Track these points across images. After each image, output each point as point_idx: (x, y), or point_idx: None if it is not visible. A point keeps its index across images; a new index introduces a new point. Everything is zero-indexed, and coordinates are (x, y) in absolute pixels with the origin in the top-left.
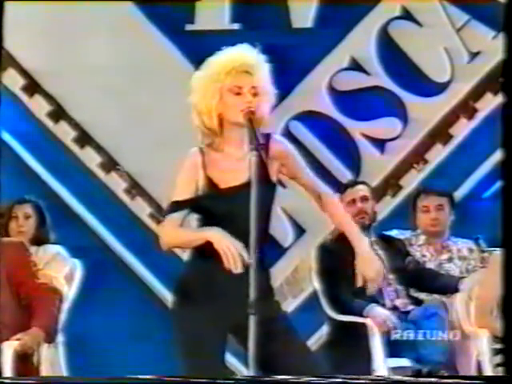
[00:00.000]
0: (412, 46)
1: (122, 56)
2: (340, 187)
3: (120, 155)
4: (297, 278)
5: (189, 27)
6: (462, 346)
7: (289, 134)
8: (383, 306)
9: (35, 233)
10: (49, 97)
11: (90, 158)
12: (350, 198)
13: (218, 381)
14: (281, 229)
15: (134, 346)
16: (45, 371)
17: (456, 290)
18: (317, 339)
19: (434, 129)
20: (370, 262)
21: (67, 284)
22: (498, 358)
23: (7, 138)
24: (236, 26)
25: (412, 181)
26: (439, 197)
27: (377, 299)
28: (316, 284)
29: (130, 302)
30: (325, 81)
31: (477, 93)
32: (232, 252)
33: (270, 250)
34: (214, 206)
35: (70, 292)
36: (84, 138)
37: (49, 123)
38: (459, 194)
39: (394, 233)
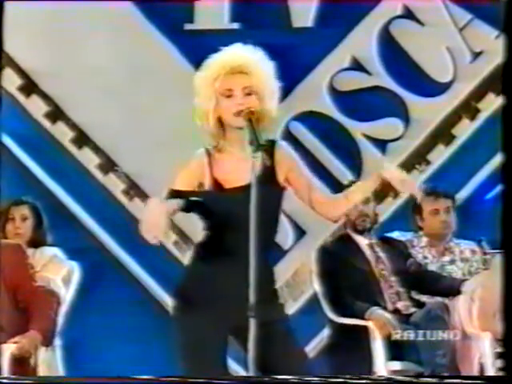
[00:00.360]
0: (414, 46)
1: (120, 56)
2: (341, 189)
3: (118, 156)
4: (297, 280)
5: (188, 27)
6: (464, 348)
7: (289, 135)
8: (384, 308)
9: (32, 235)
10: (46, 97)
11: (88, 159)
12: None
13: (216, 381)
14: (281, 231)
15: (132, 349)
16: (42, 374)
17: (458, 293)
18: (318, 342)
19: (436, 129)
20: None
21: (65, 286)
22: (501, 361)
23: (4, 138)
24: (236, 26)
25: None
26: (446, 199)
27: (378, 302)
28: (316, 286)
29: (127, 305)
30: (325, 81)
31: (479, 93)
32: None
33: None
34: (218, 205)
35: (67, 294)
36: (82, 139)
37: (46, 124)
38: (462, 195)
39: (395, 234)
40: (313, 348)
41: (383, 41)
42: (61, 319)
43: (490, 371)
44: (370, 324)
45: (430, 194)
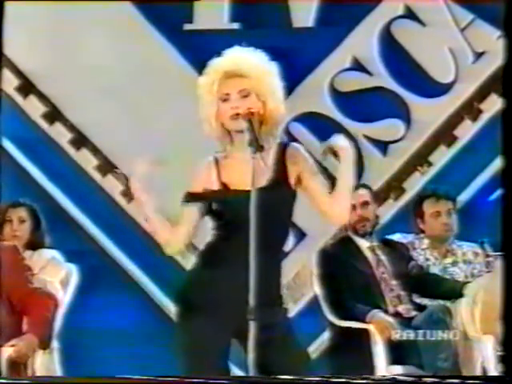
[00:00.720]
0: (415, 46)
1: (119, 56)
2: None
3: (117, 157)
4: (298, 283)
5: (187, 27)
6: (466, 351)
7: (289, 136)
8: (386, 311)
9: (30, 237)
10: (44, 98)
11: (87, 161)
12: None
13: (216, 381)
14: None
15: (130, 352)
16: None
17: (460, 296)
18: (318, 345)
19: (437, 130)
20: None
21: (62, 289)
22: (502, 365)
23: (1, 139)
24: (235, 26)
25: (415, 184)
26: (448, 201)
27: (379, 305)
28: (317, 289)
29: (126, 307)
30: (326, 81)
31: (481, 94)
32: None
33: None
34: (226, 209)
35: (65, 297)
36: (80, 140)
37: (44, 125)
38: (464, 196)
39: (396, 237)
40: (313, 351)
41: (384, 41)
42: (58, 322)
43: (493, 374)
44: (371, 327)
45: (431, 196)
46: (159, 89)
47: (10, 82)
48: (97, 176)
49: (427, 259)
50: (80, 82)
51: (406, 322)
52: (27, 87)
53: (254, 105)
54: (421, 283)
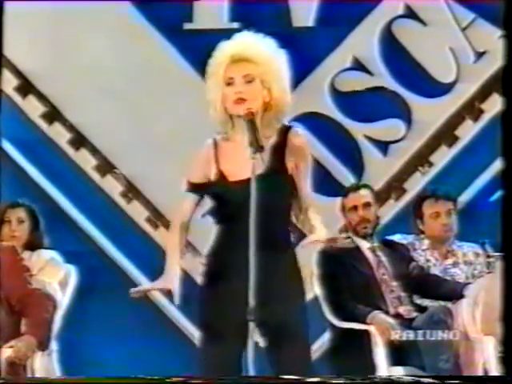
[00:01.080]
0: (416, 46)
1: (118, 56)
2: (342, 191)
3: (116, 157)
4: None
5: (187, 26)
6: (467, 353)
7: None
8: (386, 313)
9: (29, 237)
10: (43, 98)
11: (86, 161)
12: (352, 204)
13: (216, 381)
14: None
15: (129, 353)
16: None
17: (461, 296)
18: (319, 346)
19: (438, 130)
20: None
21: (61, 290)
22: (502, 365)
23: (0, 139)
24: (235, 25)
25: (416, 184)
26: (447, 201)
27: (380, 306)
28: (317, 290)
29: (125, 309)
30: (327, 81)
31: (483, 93)
32: None
33: None
34: (223, 198)
35: (64, 298)
36: (79, 140)
37: (43, 125)
38: (465, 196)
39: (397, 237)
40: (314, 352)
41: (385, 41)
42: (57, 323)
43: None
44: (371, 328)
45: (431, 196)
46: (159, 89)
47: (9, 82)
48: (96, 176)
49: (428, 260)
50: (79, 82)
51: (406, 323)
52: (26, 87)
53: (258, 91)
54: (421, 284)
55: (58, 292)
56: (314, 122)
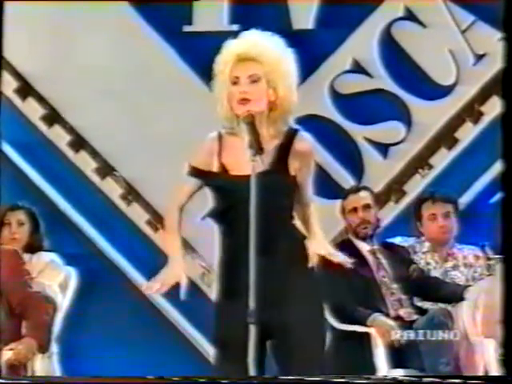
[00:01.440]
0: (416, 48)
1: (118, 58)
2: (342, 193)
3: (116, 160)
4: None
5: (187, 28)
6: (468, 355)
7: None
8: (387, 315)
9: (29, 240)
10: (43, 100)
11: (85, 163)
12: (351, 206)
13: (218, 380)
14: None
15: (129, 355)
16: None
17: (462, 299)
18: None
19: (438, 133)
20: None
21: (61, 292)
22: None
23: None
24: (235, 27)
25: (416, 186)
26: (445, 204)
27: (380, 308)
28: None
29: (125, 311)
30: (326, 83)
31: (483, 96)
32: None
33: None
34: (224, 191)
35: (64, 300)
36: (79, 143)
37: (42, 127)
38: (465, 199)
39: (397, 240)
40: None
41: (385, 43)
42: (57, 325)
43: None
44: (372, 331)
45: (428, 198)
46: (158, 91)
47: (9, 84)
48: (96, 179)
49: (428, 263)
50: (79, 84)
51: (407, 326)
52: (26, 89)
53: (263, 91)
54: (422, 287)
55: (58, 294)
56: (313, 124)
